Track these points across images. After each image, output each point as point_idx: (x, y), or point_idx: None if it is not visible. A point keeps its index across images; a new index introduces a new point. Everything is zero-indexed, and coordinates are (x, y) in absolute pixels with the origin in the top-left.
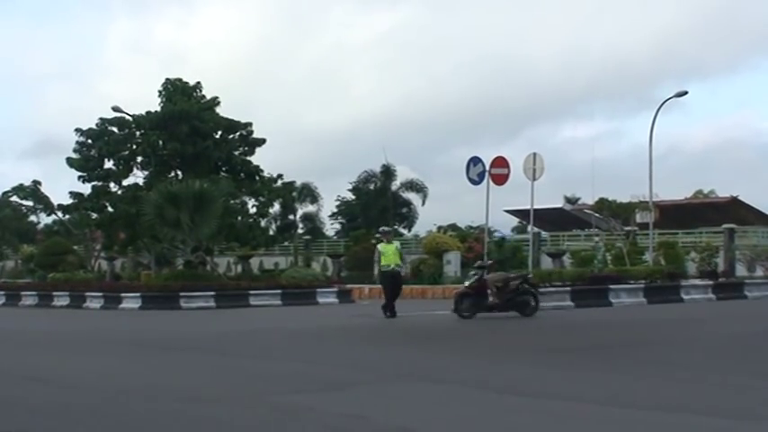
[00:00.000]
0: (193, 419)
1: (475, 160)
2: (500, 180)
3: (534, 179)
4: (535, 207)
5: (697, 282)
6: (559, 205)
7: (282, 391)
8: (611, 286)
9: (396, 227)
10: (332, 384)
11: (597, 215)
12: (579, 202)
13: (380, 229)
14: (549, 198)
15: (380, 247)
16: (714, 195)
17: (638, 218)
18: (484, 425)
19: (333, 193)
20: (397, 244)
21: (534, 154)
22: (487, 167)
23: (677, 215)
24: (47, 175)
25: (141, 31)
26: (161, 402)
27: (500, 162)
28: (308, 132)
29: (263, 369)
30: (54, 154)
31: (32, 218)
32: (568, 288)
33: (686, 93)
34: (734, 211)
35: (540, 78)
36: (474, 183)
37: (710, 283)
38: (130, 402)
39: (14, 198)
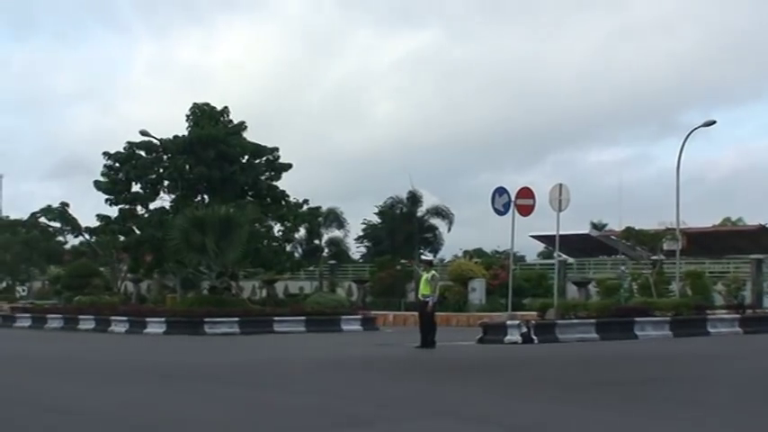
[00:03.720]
0: None
1: (500, 191)
2: (525, 211)
3: (560, 210)
4: (561, 233)
5: (724, 315)
6: (586, 231)
7: (302, 426)
8: (637, 319)
9: (421, 251)
10: (352, 421)
11: (624, 242)
12: (606, 228)
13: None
14: (575, 223)
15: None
16: (742, 223)
17: (666, 246)
18: None
19: (357, 215)
20: (428, 274)
21: (560, 185)
22: (513, 198)
23: (705, 243)
24: (72, 196)
25: (164, 53)
26: None
27: (525, 193)
28: (331, 155)
29: (284, 402)
30: (79, 175)
31: (60, 238)
32: (593, 320)
33: (714, 122)
34: (762, 239)
35: (563, 103)
36: (499, 213)
37: (738, 316)
38: None
39: (42, 219)
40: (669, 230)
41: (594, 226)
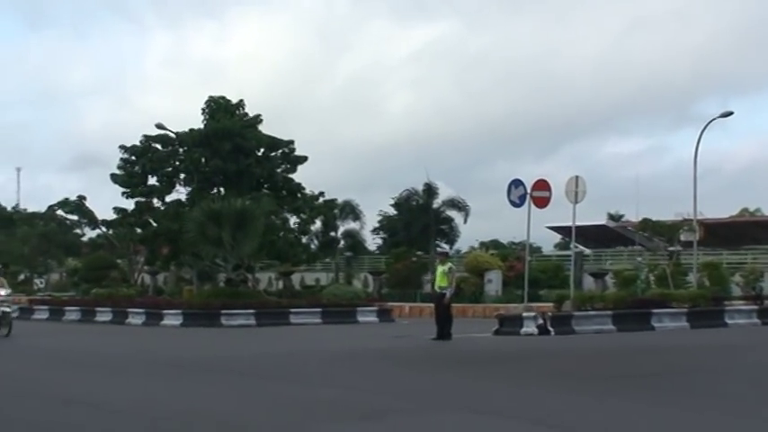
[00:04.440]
0: None
1: (516, 183)
2: (541, 203)
3: (576, 202)
4: (578, 223)
5: (741, 306)
6: (603, 222)
7: (319, 419)
8: (654, 310)
9: (437, 243)
10: (369, 413)
11: (641, 233)
12: (623, 219)
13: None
14: (592, 214)
15: (438, 268)
16: (760, 214)
17: (683, 237)
18: None
19: (373, 207)
20: (445, 266)
21: (577, 177)
22: (528, 190)
23: (722, 234)
24: (89, 189)
25: (178, 45)
26: (198, 429)
27: (541, 185)
28: (346, 148)
29: (301, 395)
30: (96, 168)
31: (77, 231)
32: (610, 312)
33: (731, 113)
34: None
35: (579, 94)
36: (515, 205)
37: (755, 307)
38: (169, 429)
39: (59, 212)
40: (686, 221)
41: (611, 217)
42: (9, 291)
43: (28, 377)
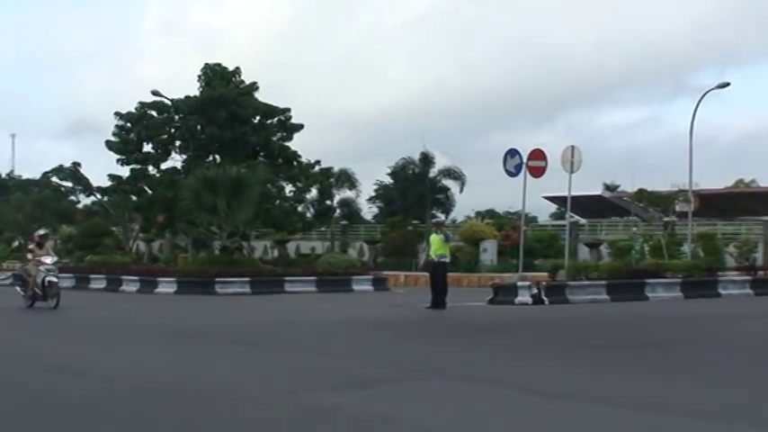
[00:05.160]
0: (220, 419)
1: (512, 152)
2: (537, 172)
3: (572, 172)
4: (574, 194)
5: (735, 276)
6: (598, 192)
7: (312, 388)
8: (648, 280)
9: (433, 213)
10: (363, 382)
11: (637, 203)
12: (618, 189)
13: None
14: (588, 185)
15: (431, 237)
16: (755, 185)
17: (678, 207)
18: (512, 428)
19: (369, 176)
20: (442, 235)
21: (572, 147)
22: (525, 159)
23: (717, 205)
24: (84, 156)
25: (175, 12)
26: (189, 399)
27: (537, 155)
28: (342, 116)
29: (294, 363)
30: (90, 133)
31: (72, 198)
32: (604, 282)
33: (728, 84)
34: None
35: (575, 63)
36: (511, 175)
37: (749, 278)
38: (160, 398)
39: (54, 179)
40: (681, 192)
41: (607, 187)
42: (55, 258)
43: (11, 341)
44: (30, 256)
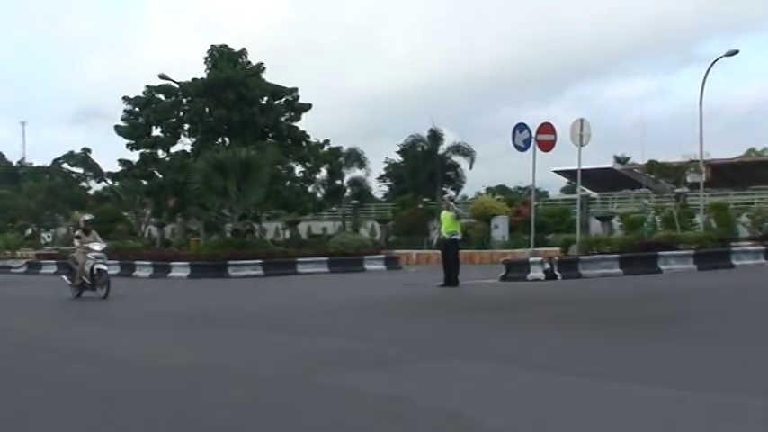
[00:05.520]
0: (235, 401)
1: (521, 127)
2: (546, 146)
3: (581, 145)
4: (584, 167)
5: (748, 247)
6: (609, 165)
7: (327, 369)
8: (661, 253)
9: (444, 190)
10: (376, 362)
11: (648, 175)
12: (629, 161)
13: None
14: (599, 157)
15: (441, 214)
16: (767, 154)
17: (690, 178)
18: (526, 406)
19: (378, 154)
20: (452, 212)
21: (581, 120)
22: (533, 134)
23: (729, 175)
24: (93, 141)
25: None
26: (205, 382)
27: (546, 129)
28: (349, 95)
29: (308, 345)
30: (98, 119)
31: (83, 184)
32: (617, 255)
33: (737, 52)
34: None
35: (581, 36)
36: (520, 149)
37: (762, 248)
38: (175, 382)
39: (65, 165)
40: (692, 162)
41: (618, 159)
42: (104, 245)
43: (23, 329)
44: (76, 243)
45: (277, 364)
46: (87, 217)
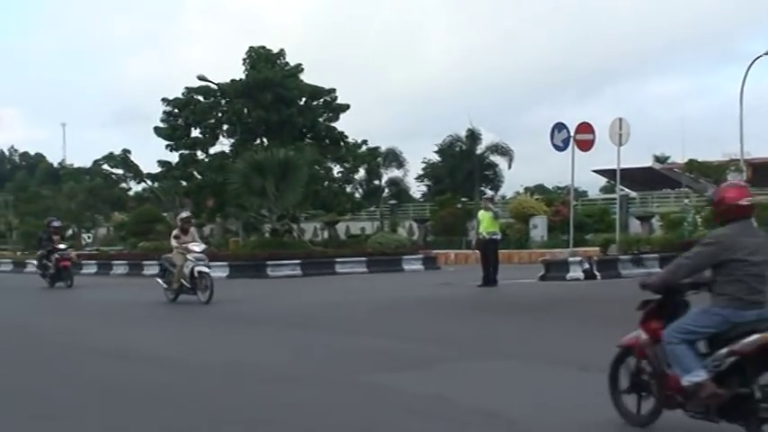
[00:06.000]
0: (276, 401)
1: (559, 126)
2: (585, 146)
3: (620, 144)
4: (623, 166)
5: None
6: (648, 164)
7: (367, 369)
8: None
9: (482, 189)
10: (417, 362)
11: (688, 174)
12: (669, 160)
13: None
14: (638, 157)
15: (479, 214)
16: None
17: (730, 177)
18: (567, 407)
19: (416, 154)
20: (491, 212)
21: (620, 119)
22: (572, 133)
23: None
24: (133, 143)
25: None
26: (246, 382)
27: (585, 128)
28: (388, 95)
29: (348, 345)
30: (138, 120)
31: (123, 185)
32: (657, 255)
33: None
34: None
35: (620, 34)
36: (559, 149)
37: None
38: (215, 382)
39: (105, 166)
40: (733, 161)
41: (657, 159)
42: (204, 246)
43: (69, 329)
44: (174, 243)
45: (318, 363)
46: (185, 214)
